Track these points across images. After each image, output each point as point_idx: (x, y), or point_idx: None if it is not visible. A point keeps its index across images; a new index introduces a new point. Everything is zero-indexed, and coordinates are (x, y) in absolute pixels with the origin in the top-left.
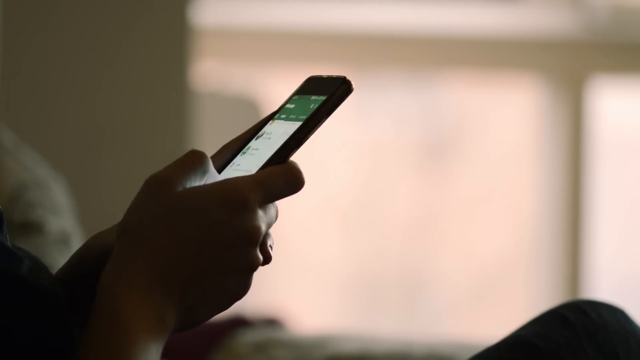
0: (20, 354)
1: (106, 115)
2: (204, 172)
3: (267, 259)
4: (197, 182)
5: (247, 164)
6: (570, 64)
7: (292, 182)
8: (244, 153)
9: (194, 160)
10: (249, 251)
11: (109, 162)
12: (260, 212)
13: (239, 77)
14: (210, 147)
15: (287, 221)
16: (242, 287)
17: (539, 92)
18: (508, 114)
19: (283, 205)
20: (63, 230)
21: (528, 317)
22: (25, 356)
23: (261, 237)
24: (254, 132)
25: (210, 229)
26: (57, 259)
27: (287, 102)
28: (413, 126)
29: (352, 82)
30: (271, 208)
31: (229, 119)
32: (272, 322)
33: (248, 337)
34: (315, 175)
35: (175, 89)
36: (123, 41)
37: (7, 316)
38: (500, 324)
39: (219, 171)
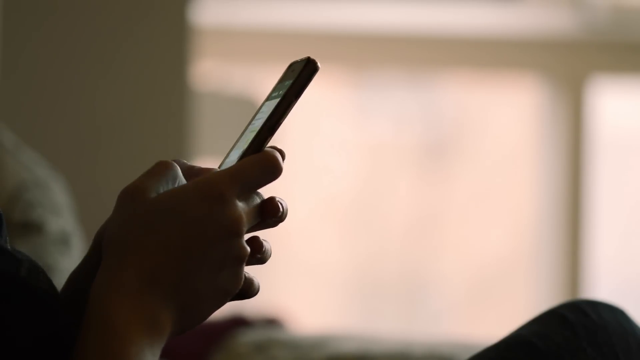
0: (18, 356)
1: (106, 115)
2: (174, 178)
3: (260, 251)
4: (169, 187)
5: (233, 156)
6: (570, 64)
7: (267, 169)
8: (236, 143)
9: (163, 168)
10: (233, 242)
11: (109, 162)
12: (239, 203)
13: (239, 77)
14: (210, 146)
15: (287, 221)
16: (234, 280)
17: (539, 92)
18: (508, 114)
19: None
20: (63, 230)
21: (528, 317)
22: (23, 358)
23: (244, 227)
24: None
25: (191, 227)
26: (57, 259)
27: (273, 90)
28: (413, 126)
29: (317, 61)
30: (254, 199)
31: (229, 119)
32: (272, 322)
33: (248, 337)
34: (315, 175)
35: (175, 89)
36: (123, 41)
37: (5, 317)
38: (500, 324)
39: (221, 163)
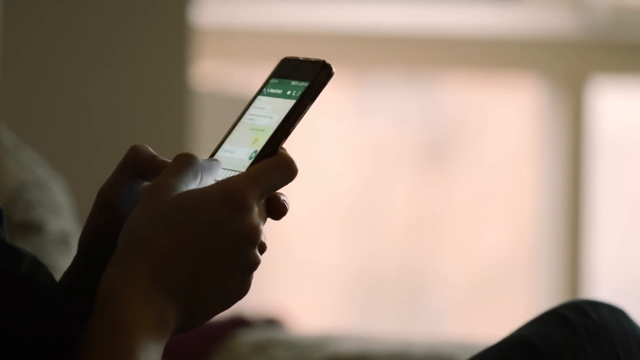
0: (19, 352)
1: (106, 115)
2: (196, 172)
3: (262, 252)
4: (191, 182)
5: (239, 154)
6: (570, 64)
7: (286, 172)
8: (230, 136)
9: (185, 163)
10: (248, 251)
11: (109, 162)
12: (257, 210)
13: (239, 77)
14: (210, 146)
15: (287, 221)
16: (242, 287)
17: (539, 92)
18: (508, 114)
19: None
20: (63, 230)
21: (528, 317)
22: (24, 354)
23: (260, 236)
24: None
25: (210, 230)
26: (57, 259)
27: (265, 84)
28: (413, 126)
29: (332, 66)
30: (262, 203)
31: (229, 119)
32: (272, 322)
33: (248, 337)
34: (315, 176)
35: (175, 89)
36: (123, 41)
37: (6, 314)
38: (500, 324)
39: (212, 153)
